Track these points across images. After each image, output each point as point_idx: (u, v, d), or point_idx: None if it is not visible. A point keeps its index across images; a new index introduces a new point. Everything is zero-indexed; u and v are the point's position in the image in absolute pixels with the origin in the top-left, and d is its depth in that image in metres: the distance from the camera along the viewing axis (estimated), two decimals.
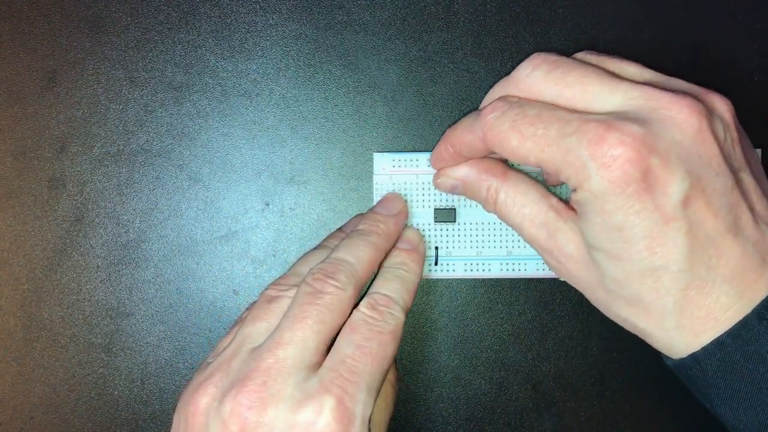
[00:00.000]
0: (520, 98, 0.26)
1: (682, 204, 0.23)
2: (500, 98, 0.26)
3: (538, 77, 0.25)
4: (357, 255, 0.27)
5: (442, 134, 0.28)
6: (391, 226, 0.29)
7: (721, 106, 0.25)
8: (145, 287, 0.32)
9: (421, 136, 0.32)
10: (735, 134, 0.24)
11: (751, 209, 0.24)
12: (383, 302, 0.27)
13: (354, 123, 0.32)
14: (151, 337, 0.32)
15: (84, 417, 0.32)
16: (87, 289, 0.32)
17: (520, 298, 0.32)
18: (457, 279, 0.32)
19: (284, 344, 0.24)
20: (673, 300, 0.23)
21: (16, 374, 0.32)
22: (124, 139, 0.32)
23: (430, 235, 0.31)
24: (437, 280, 0.32)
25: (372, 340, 0.25)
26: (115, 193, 0.32)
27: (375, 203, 0.31)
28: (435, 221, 0.31)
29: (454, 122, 0.28)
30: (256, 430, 0.23)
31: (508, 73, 0.32)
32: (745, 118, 0.32)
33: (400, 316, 0.26)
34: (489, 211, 0.28)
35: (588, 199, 0.24)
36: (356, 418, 0.24)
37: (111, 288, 0.32)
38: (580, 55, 0.26)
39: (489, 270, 0.31)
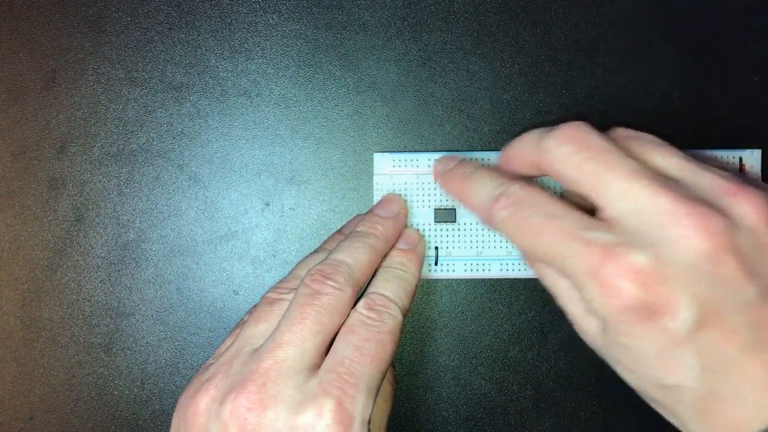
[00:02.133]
0: (531, 190, 0.25)
1: (693, 328, 0.22)
2: (513, 188, 0.25)
3: (560, 158, 0.24)
4: (355, 256, 0.27)
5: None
6: (389, 227, 0.29)
7: (748, 210, 0.22)
8: (145, 287, 0.32)
9: (421, 136, 0.32)
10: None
11: None
12: (380, 302, 0.27)
13: (354, 123, 0.32)
14: (151, 337, 0.32)
15: (84, 417, 0.32)
16: (87, 289, 0.32)
17: (520, 298, 0.32)
18: (457, 279, 0.32)
19: (284, 345, 0.24)
20: (691, 412, 0.23)
21: (16, 374, 0.32)
22: (124, 139, 0.32)
23: (430, 235, 0.31)
24: (437, 280, 0.32)
25: (370, 341, 0.25)
26: (115, 193, 0.32)
27: (375, 203, 0.31)
28: (435, 221, 0.31)
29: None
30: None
31: (508, 74, 0.32)
32: (745, 118, 0.32)
33: (397, 316, 0.26)
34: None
35: (594, 316, 0.24)
36: (355, 420, 0.24)
37: (111, 288, 0.32)
38: (615, 132, 0.25)
39: (489, 270, 0.31)
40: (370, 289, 0.27)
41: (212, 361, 0.26)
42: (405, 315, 0.27)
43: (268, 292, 0.27)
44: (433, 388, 0.32)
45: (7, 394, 0.32)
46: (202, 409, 0.24)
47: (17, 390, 0.32)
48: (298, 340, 0.25)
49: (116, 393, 0.32)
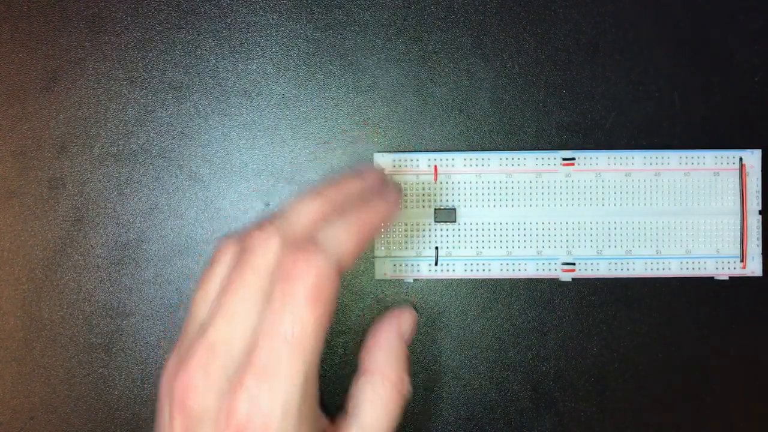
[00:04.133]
0: None
1: None
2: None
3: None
4: (298, 207, 0.24)
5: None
6: (353, 181, 0.26)
7: None
8: (145, 287, 0.32)
9: (421, 136, 0.32)
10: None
11: None
12: (301, 248, 0.22)
13: (354, 123, 0.32)
14: (151, 337, 0.32)
15: (84, 417, 0.32)
16: (87, 289, 0.32)
17: (520, 298, 0.32)
18: (457, 279, 0.32)
19: (214, 324, 0.23)
20: None
21: (16, 374, 0.32)
22: (124, 139, 0.32)
23: (430, 235, 0.31)
24: (437, 280, 0.32)
25: (284, 324, 0.22)
26: (115, 193, 0.32)
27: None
28: (435, 221, 0.31)
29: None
30: (194, 416, 0.23)
31: (508, 74, 0.32)
32: (745, 118, 0.32)
33: (321, 265, 0.22)
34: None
35: None
36: (276, 410, 0.22)
37: (111, 288, 0.32)
38: None
39: (489, 270, 0.31)
40: None
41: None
42: (344, 264, 0.23)
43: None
44: (433, 388, 0.32)
45: (7, 394, 0.32)
46: (163, 389, 0.24)
47: (17, 390, 0.32)
48: (228, 315, 0.23)
49: (116, 393, 0.32)
